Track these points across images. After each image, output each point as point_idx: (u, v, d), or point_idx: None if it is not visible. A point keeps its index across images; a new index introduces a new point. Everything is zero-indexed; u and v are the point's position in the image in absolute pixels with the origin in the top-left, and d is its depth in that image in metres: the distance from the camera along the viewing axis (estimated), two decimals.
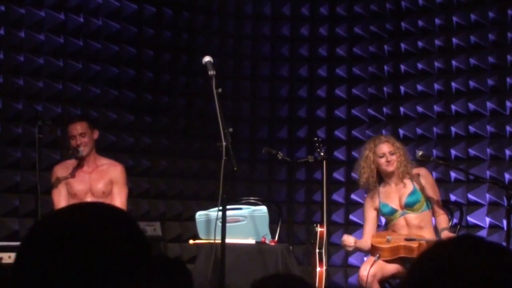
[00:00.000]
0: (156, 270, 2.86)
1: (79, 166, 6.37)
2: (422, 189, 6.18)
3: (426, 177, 6.27)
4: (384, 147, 6.20)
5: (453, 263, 1.34)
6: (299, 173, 8.72)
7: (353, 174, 8.55)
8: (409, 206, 6.15)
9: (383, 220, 6.64)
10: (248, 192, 8.08)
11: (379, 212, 6.28)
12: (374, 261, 5.94)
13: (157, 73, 8.20)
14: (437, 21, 8.21)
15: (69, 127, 6.33)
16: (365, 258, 7.82)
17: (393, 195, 6.21)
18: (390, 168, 6.17)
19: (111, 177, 6.40)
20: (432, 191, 6.22)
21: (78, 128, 6.29)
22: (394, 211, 6.18)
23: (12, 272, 1.53)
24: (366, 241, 6.24)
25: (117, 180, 6.42)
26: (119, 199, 6.39)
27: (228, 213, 5.62)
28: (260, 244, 6.27)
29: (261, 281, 3.00)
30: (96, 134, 6.39)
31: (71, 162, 6.42)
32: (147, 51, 8.14)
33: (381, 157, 6.18)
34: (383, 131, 8.44)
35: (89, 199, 6.34)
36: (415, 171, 6.26)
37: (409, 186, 6.20)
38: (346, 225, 8.53)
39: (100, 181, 6.37)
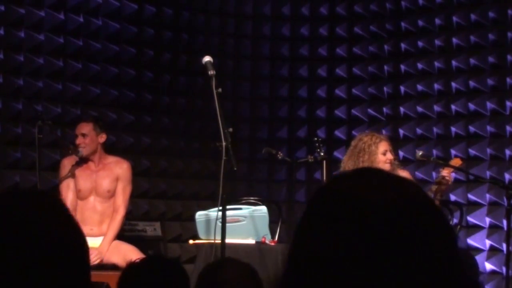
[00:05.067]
0: (153, 269, 2.86)
1: (86, 164, 6.39)
2: None
3: (409, 178, 6.26)
4: (387, 144, 6.13)
5: (355, 196, 1.24)
6: (299, 173, 8.72)
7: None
8: None
9: None
10: (248, 192, 8.07)
11: None
12: None
13: (157, 73, 8.19)
14: (437, 21, 8.21)
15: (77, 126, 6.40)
16: None
17: None
18: (388, 167, 6.05)
19: (117, 174, 6.41)
20: None
21: (81, 128, 6.32)
22: None
23: None
24: None
25: (123, 177, 6.44)
26: (122, 197, 6.40)
27: (228, 213, 5.62)
28: (260, 244, 6.27)
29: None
30: (102, 138, 6.39)
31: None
32: (147, 51, 8.14)
33: (383, 154, 6.09)
34: (383, 131, 8.44)
35: (92, 197, 6.36)
36: (399, 172, 6.20)
37: None
38: None
39: (106, 179, 6.39)
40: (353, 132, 8.72)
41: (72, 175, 6.33)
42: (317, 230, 1.25)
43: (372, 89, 8.71)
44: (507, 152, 7.65)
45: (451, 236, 1.26)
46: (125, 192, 6.43)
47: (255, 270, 2.91)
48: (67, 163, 6.40)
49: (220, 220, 5.31)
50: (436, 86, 8.17)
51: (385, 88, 8.60)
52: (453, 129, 7.96)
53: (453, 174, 6.46)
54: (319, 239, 1.24)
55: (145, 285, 2.80)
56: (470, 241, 7.68)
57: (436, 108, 8.13)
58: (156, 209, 8.00)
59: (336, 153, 8.71)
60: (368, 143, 6.11)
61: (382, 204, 1.24)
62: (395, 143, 8.36)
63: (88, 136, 6.32)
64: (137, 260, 2.93)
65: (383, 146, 6.11)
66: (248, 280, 2.86)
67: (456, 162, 6.27)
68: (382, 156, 6.11)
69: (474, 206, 7.73)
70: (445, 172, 6.07)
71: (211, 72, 5.35)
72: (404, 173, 6.29)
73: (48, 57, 7.43)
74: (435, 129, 8.12)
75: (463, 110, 7.95)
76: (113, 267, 6.16)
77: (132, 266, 2.87)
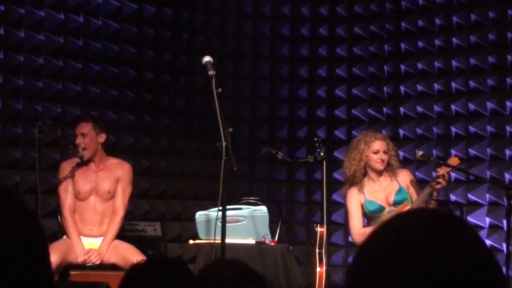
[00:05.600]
0: (158, 270, 2.85)
1: (86, 165, 6.38)
2: (408, 187, 6.21)
3: (410, 176, 6.32)
4: (381, 144, 6.20)
5: (406, 235, 1.29)
6: (299, 173, 8.71)
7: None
8: (397, 204, 6.15)
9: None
10: (248, 192, 8.07)
11: (363, 208, 6.25)
12: None
13: (157, 73, 8.20)
14: (437, 21, 8.21)
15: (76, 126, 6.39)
16: None
17: (379, 193, 6.20)
18: (380, 167, 6.17)
19: (118, 176, 6.40)
20: (416, 190, 6.25)
21: (81, 128, 6.31)
22: (382, 209, 6.17)
23: None
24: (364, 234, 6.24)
25: (123, 178, 6.42)
26: (121, 198, 6.39)
27: (228, 213, 5.63)
28: (260, 244, 6.27)
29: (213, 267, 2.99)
30: (102, 138, 6.37)
31: (79, 160, 6.42)
32: (147, 51, 8.14)
33: (375, 153, 6.17)
34: (383, 131, 8.44)
35: (92, 198, 6.35)
36: (399, 172, 6.28)
37: (395, 184, 6.21)
38: (346, 225, 8.52)
39: (106, 180, 6.37)
40: (353, 132, 8.72)
41: (71, 176, 6.33)
42: (369, 272, 1.30)
43: (372, 89, 8.71)
44: (507, 152, 7.65)
45: (501, 278, 1.30)
46: (125, 194, 6.42)
47: (254, 270, 2.90)
48: (66, 166, 6.38)
49: (220, 220, 5.31)
50: (436, 86, 8.17)
51: (385, 88, 8.60)
52: (453, 129, 7.96)
53: (453, 174, 6.48)
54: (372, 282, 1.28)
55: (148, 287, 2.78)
56: None
57: (436, 108, 8.13)
58: (156, 209, 8.00)
59: (336, 153, 8.71)
60: (360, 140, 6.23)
61: (433, 246, 1.27)
62: (395, 143, 8.36)
63: (88, 136, 6.30)
64: (140, 262, 2.90)
65: (376, 145, 6.18)
66: (248, 281, 2.85)
67: (454, 161, 6.28)
68: (373, 155, 6.17)
69: (474, 206, 7.73)
70: (442, 172, 6.09)
71: (211, 72, 5.35)
72: (404, 173, 6.31)
73: (48, 57, 7.44)
74: (435, 129, 8.12)
75: (463, 110, 7.96)
76: (113, 267, 6.15)
77: (135, 268, 2.85)
